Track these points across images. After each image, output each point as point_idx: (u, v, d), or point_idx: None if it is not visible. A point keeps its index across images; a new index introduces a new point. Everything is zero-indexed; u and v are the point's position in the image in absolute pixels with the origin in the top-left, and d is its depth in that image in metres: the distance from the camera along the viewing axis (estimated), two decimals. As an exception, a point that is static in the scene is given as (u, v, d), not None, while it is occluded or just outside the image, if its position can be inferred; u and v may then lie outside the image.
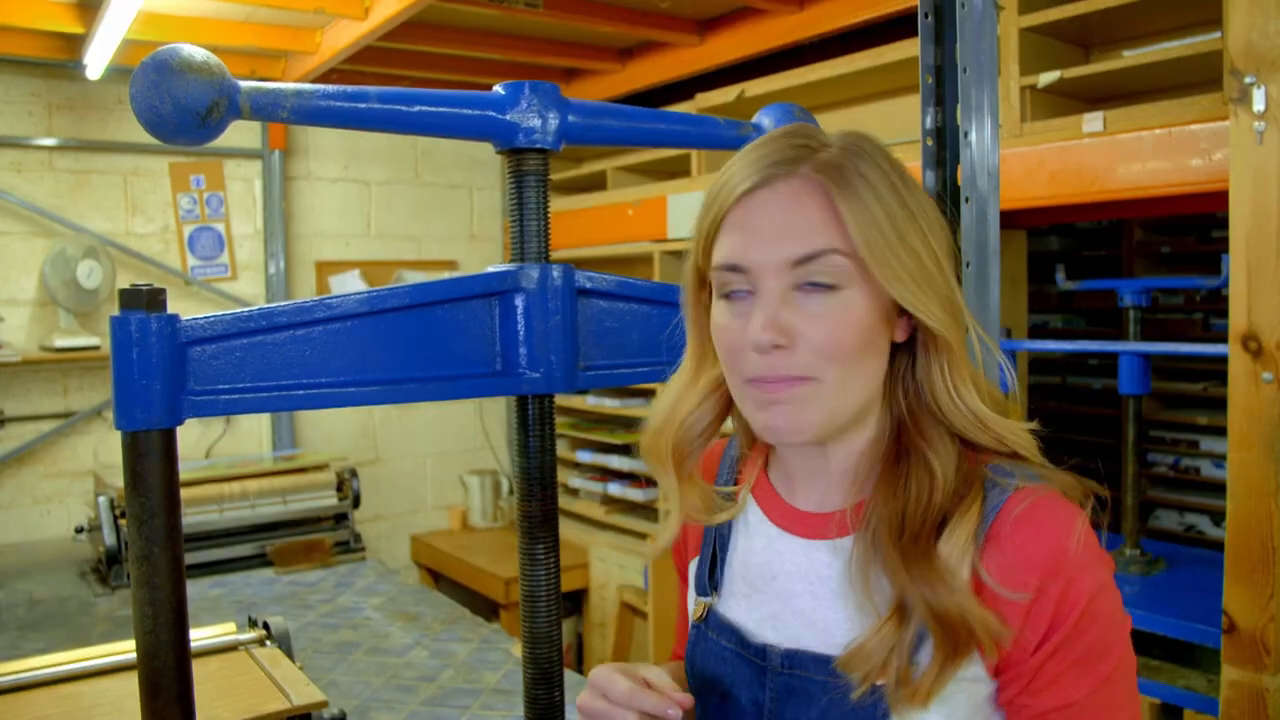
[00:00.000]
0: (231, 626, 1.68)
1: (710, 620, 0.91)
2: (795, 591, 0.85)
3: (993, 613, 0.74)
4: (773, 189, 0.79)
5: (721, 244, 0.81)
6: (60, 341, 3.39)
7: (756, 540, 0.89)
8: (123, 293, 0.85)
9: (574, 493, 4.08)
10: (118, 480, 2.98)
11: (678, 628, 1.05)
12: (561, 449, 4.09)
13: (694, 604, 0.94)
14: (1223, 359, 1.65)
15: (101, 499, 2.82)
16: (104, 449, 3.66)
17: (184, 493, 0.88)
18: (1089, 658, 0.75)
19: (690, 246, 0.86)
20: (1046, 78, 2.23)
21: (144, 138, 1.33)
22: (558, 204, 3.77)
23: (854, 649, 0.78)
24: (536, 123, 1.02)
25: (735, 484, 0.94)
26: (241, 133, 3.79)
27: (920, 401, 0.82)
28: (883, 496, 0.81)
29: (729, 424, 0.94)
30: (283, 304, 0.93)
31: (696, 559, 0.96)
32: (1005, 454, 0.82)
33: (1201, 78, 2.05)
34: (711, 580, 0.92)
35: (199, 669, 0.92)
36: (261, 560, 3.06)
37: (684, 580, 1.01)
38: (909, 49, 2.62)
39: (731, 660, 0.87)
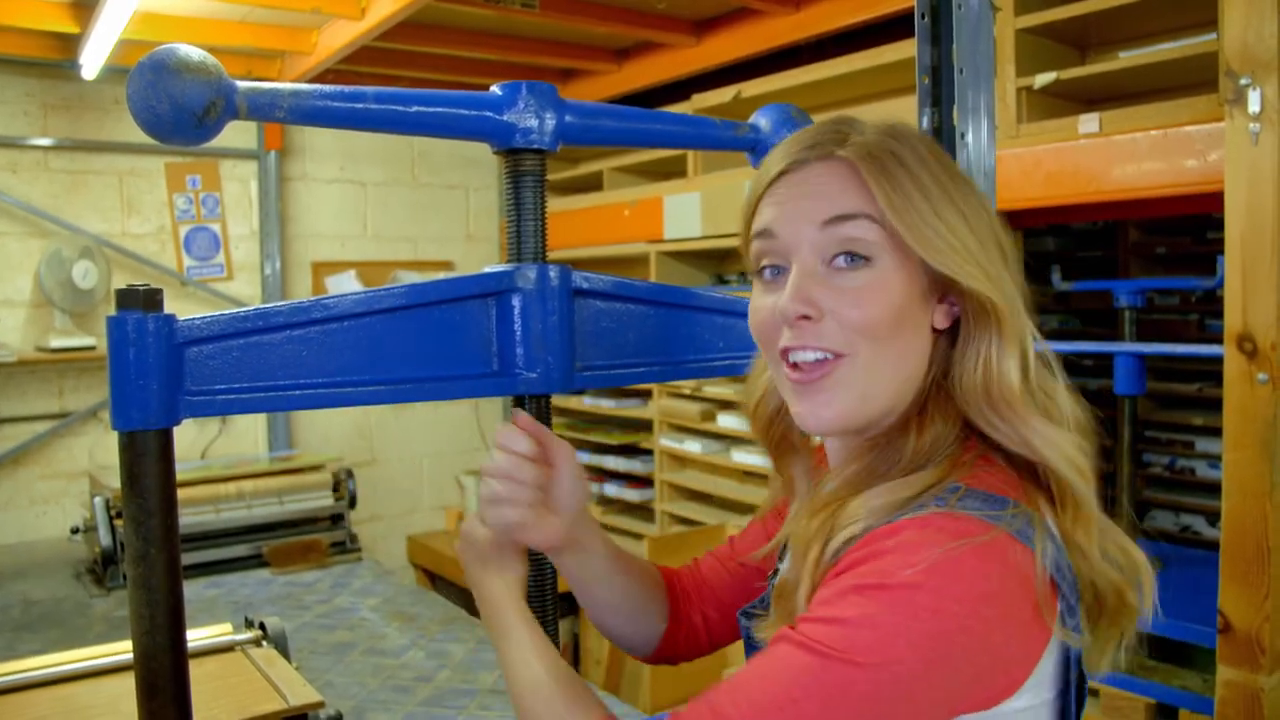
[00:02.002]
0: (228, 627, 1.68)
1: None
2: None
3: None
4: (806, 168, 0.79)
5: (756, 219, 0.82)
6: (56, 342, 3.38)
7: None
8: (119, 293, 0.84)
9: (571, 493, 4.07)
10: (113, 481, 2.97)
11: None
12: (558, 449, 4.07)
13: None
14: (1218, 360, 1.65)
15: (97, 500, 2.82)
16: (99, 450, 3.65)
17: (180, 493, 0.87)
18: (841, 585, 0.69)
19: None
20: (1043, 79, 2.23)
21: (140, 138, 1.32)
22: (554, 204, 3.75)
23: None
24: (534, 123, 1.02)
25: None
26: (237, 133, 3.79)
27: (945, 380, 0.79)
28: (849, 455, 0.82)
29: None
30: (279, 304, 0.93)
31: None
32: (1026, 468, 0.75)
33: (1197, 79, 2.05)
34: (783, 551, 0.94)
35: (195, 669, 0.91)
36: (257, 561, 3.05)
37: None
38: (906, 50, 2.63)
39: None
